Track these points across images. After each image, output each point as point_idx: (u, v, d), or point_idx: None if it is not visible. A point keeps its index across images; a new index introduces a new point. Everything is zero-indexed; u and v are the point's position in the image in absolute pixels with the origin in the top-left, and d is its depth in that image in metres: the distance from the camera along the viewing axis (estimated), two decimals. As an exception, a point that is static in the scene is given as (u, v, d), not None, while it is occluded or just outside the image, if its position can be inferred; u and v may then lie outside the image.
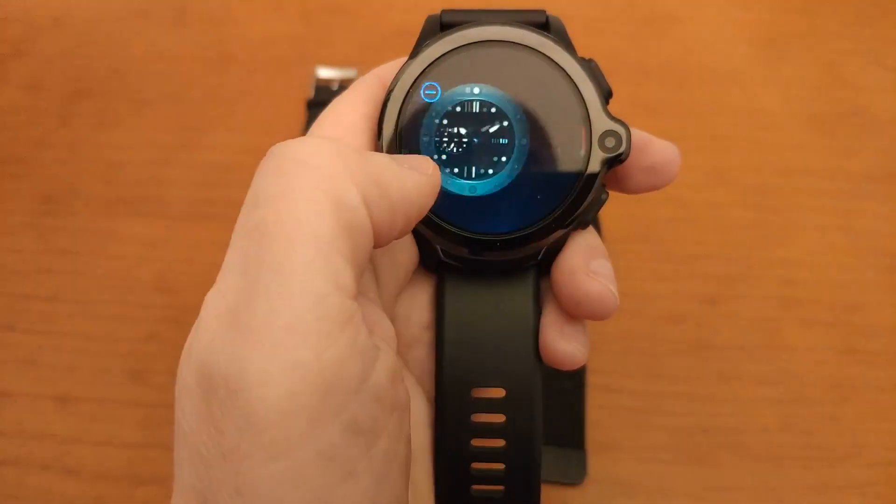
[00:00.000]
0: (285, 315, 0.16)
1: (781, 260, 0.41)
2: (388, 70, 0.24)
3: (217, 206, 0.43)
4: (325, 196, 0.17)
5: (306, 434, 0.16)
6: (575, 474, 0.36)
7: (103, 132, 0.46)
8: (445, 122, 0.22)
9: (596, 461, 0.36)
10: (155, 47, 0.49)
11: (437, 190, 0.21)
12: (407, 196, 0.19)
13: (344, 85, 0.46)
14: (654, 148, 0.23)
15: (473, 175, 0.22)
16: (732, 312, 0.40)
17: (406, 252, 0.23)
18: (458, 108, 0.22)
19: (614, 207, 0.39)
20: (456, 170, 0.22)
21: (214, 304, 0.17)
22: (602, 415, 0.37)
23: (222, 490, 0.16)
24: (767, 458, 0.36)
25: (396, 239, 0.20)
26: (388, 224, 0.19)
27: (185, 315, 0.40)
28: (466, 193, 0.22)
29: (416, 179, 0.20)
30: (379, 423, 0.18)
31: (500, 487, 0.23)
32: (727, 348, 0.39)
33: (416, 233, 0.23)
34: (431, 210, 0.22)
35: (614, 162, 0.22)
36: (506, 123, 0.22)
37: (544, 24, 0.23)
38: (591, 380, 0.38)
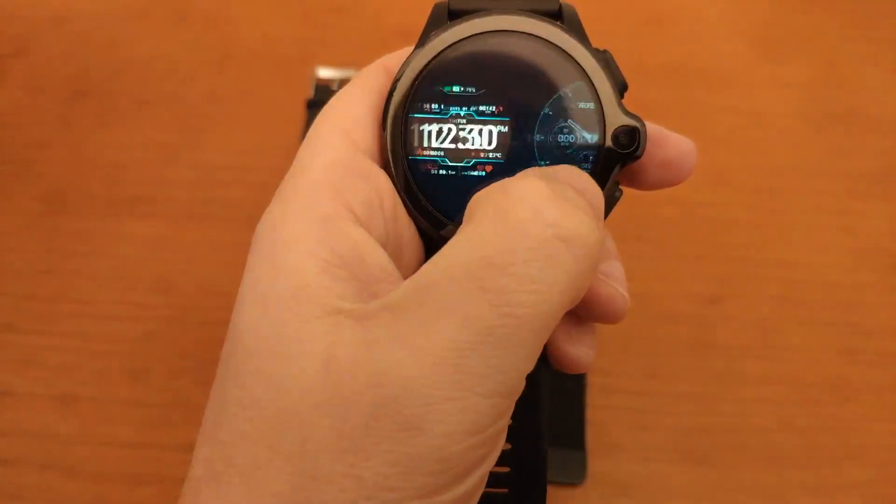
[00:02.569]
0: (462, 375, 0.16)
1: (781, 260, 0.41)
2: (394, 60, 0.23)
3: (217, 206, 0.43)
4: None
5: (458, 482, 0.17)
6: (575, 474, 0.36)
7: (104, 132, 0.46)
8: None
9: (596, 461, 0.36)
10: (155, 47, 0.49)
11: None
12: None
13: (344, 85, 0.46)
14: (669, 143, 0.22)
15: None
16: (732, 312, 0.40)
17: (413, 252, 0.22)
18: None
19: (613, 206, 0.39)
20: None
21: (419, 342, 0.17)
22: (602, 415, 0.37)
23: None
24: (767, 458, 0.36)
25: None
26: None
27: (185, 315, 0.40)
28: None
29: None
30: (484, 473, 0.19)
31: (505, 490, 0.23)
32: (727, 348, 0.39)
33: (422, 233, 0.22)
34: (438, 209, 0.22)
35: (629, 158, 0.21)
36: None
37: (557, 13, 0.23)
38: (592, 380, 0.38)
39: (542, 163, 0.22)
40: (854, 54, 0.48)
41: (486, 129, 0.22)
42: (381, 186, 0.21)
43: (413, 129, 0.22)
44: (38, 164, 0.45)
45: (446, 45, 0.22)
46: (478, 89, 0.22)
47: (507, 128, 0.22)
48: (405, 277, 0.23)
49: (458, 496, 0.17)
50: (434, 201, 0.22)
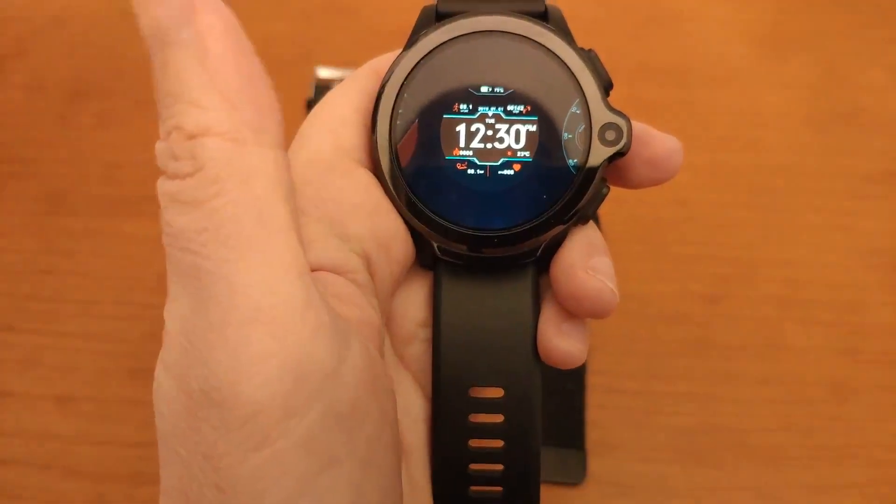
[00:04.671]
0: (239, 312, 0.16)
1: (781, 260, 0.41)
2: (383, 62, 0.23)
3: (217, 206, 0.43)
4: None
5: (282, 423, 0.16)
6: (575, 474, 0.36)
7: (103, 132, 0.46)
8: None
9: (596, 461, 0.36)
10: (155, 47, 0.49)
11: None
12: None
13: (344, 85, 0.46)
14: (655, 141, 0.22)
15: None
16: (732, 312, 0.40)
17: (401, 248, 0.22)
18: None
19: (614, 207, 0.39)
20: None
21: (172, 315, 0.17)
22: (602, 415, 0.37)
23: (203, 489, 0.16)
24: (767, 458, 0.36)
25: None
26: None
27: (185, 315, 0.40)
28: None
29: None
30: (360, 408, 0.17)
31: (499, 488, 0.23)
32: (727, 348, 0.39)
33: (411, 229, 0.22)
34: (427, 205, 0.22)
35: (615, 155, 0.22)
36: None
37: (543, 13, 0.23)
38: (591, 380, 0.38)
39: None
40: (855, 54, 0.48)
41: (492, 127, 0.22)
42: (363, 185, 0.21)
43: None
44: (38, 164, 0.45)
45: (433, 46, 0.22)
46: (470, 90, 0.22)
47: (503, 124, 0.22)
48: (398, 272, 0.23)
49: (296, 440, 0.16)
50: (429, 203, 0.22)
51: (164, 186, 0.17)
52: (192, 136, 0.17)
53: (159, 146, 0.17)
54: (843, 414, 0.37)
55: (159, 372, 0.17)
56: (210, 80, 0.17)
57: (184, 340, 0.16)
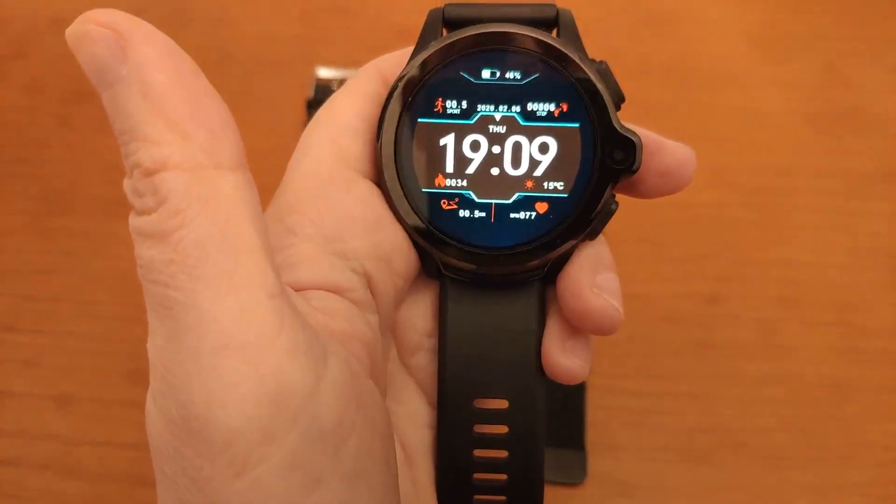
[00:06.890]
0: (209, 340, 0.16)
1: (781, 260, 0.41)
2: (388, 62, 0.23)
3: (217, 207, 0.43)
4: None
5: (262, 448, 0.16)
6: (575, 474, 0.36)
7: (103, 133, 0.46)
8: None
9: (596, 461, 0.36)
10: (155, 47, 0.49)
11: None
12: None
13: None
14: (666, 150, 0.22)
15: None
16: (732, 312, 0.40)
17: (404, 261, 0.22)
18: None
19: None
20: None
21: (152, 347, 0.17)
22: (602, 415, 0.37)
23: None
24: (767, 458, 0.36)
25: None
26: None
27: (185, 315, 0.40)
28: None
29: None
30: (344, 423, 0.17)
31: (503, 497, 0.23)
32: (727, 348, 0.39)
33: (416, 244, 0.22)
34: (432, 224, 0.21)
35: (625, 173, 0.21)
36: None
37: (554, 20, 0.22)
38: (592, 380, 0.38)
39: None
40: (854, 54, 0.48)
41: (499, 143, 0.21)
42: (363, 198, 0.21)
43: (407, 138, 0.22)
44: (38, 164, 0.45)
45: (443, 59, 0.22)
46: (478, 104, 0.22)
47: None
48: (401, 284, 0.22)
49: (278, 464, 0.16)
50: (433, 219, 0.22)
51: (133, 222, 0.17)
52: (150, 173, 0.16)
53: (126, 184, 0.17)
54: (843, 414, 0.37)
55: (148, 399, 0.17)
56: (156, 113, 0.17)
57: (163, 371, 0.16)
